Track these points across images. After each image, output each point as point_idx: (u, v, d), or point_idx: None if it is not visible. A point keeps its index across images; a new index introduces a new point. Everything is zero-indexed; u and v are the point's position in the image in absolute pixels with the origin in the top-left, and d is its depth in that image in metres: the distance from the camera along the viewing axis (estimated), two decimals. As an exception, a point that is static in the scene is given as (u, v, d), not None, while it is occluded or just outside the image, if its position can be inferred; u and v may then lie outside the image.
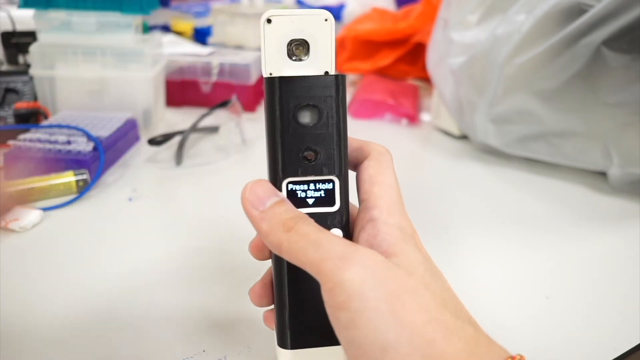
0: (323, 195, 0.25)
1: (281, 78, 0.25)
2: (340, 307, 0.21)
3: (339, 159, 0.25)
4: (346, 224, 0.26)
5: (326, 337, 0.25)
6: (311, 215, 0.24)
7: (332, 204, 0.25)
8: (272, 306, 0.28)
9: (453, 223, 0.49)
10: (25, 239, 0.43)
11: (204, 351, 0.32)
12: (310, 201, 0.25)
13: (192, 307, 0.36)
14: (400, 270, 0.22)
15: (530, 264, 0.43)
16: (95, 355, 0.31)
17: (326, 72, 0.26)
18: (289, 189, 0.25)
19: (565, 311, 0.37)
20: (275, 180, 0.25)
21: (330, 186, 0.25)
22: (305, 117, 0.25)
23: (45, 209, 0.47)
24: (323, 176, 0.25)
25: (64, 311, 0.35)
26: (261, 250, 0.28)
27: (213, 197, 0.53)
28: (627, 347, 0.34)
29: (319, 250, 0.22)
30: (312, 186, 0.25)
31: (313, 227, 0.23)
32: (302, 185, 0.25)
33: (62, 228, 0.45)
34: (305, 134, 0.25)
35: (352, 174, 0.27)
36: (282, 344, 0.26)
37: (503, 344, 0.22)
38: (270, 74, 0.25)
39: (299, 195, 0.25)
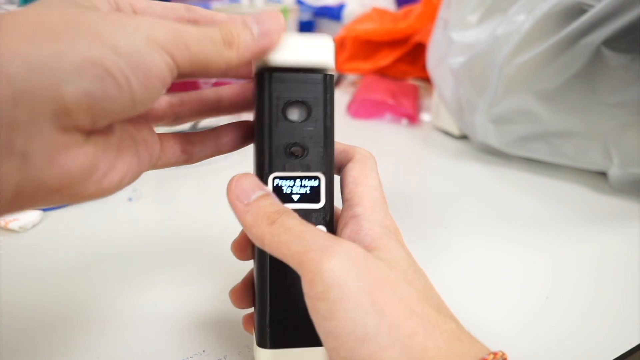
0: (308, 192, 0.25)
1: (271, 74, 0.25)
2: (319, 298, 0.21)
3: (325, 156, 0.25)
4: (330, 221, 0.26)
5: (307, 337, 0.25)
6: (296, 211, 0.24)
7: (318, 200, 0.25)
8: (252, 309, 0.28)
9: (453, 223, 0.49)
10: (24, 239, 0.43)
11: (204, 351, 0.32)
12: (296, 197, 0.25)
13: (192, 307, 0.36)
14: (382, 264, 0.22)
15: (530, 264, 0.43)
16: (95, 354, 0.31)
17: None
18: (275, 184, 0.25)
19: (565, 311, 0.37)
20: (262, 174, 0.25)
21: (315, 183, 0.25)
22: (294, 114, 0.25)
23: (44, 209, 0.47)
24: (309, 172, 0.25)
25: (64, 311, 0.35)
26: (244, 249, 0.28)
27: (213, 197, 0.53)
28: (627, 347, 0.34)
29: (301, 242, 0.22)
30: (297, 182, 0.25)
31: (297, 220, 0.23)
32: (288, 181, 0.25)
33: (61, 228, 0.45)
34: (293, 130, 0.25)
35: (336, 178, 0.27)
36: (262, 343, 0.26)
37: (503, 344, 0.22)
38: (261, 69, 0.25)
39: (284, 191, 0.25)
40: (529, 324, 0.36)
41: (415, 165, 0.65)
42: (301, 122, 0.25)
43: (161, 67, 0.20)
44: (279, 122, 0.25)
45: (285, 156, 0.25)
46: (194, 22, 0.25)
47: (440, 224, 0.49)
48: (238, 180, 0.24)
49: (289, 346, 0.25)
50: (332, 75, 0.25)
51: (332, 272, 0.21)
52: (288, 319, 0.25)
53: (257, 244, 0.23)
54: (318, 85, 0.25)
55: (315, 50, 0.25)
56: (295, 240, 0.22)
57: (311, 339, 0.25)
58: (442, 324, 0.21)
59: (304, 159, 0.25)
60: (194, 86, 0.77)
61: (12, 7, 0.68)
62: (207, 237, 0.44)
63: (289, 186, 0.25)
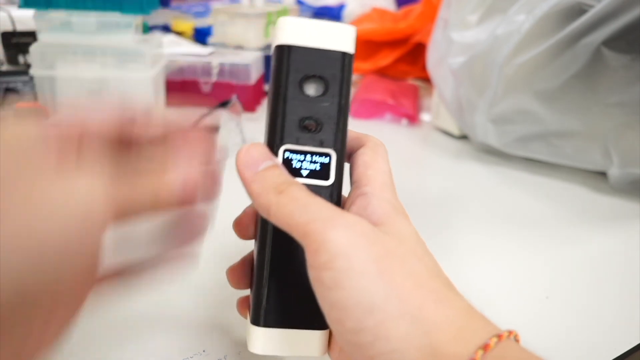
0: (318, 168, 0.25)
1: (291, 47, 0.25)
2: (323, 267, 0.21)
3: (338, 133, 0.25)
4: (338, 200, 0.26)
5: (303, 319, 0.24)
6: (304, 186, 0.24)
7: (327, 177, 0.25)
8: (248, 292, 0.28)
9: (453, 223, 0.49)
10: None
11: (204, 351, 0.32)
12: (305, 172, 0.25)
13: (192, 307, 0.36)
14: (389, 237, 0.22)
15: (530, 264, 0.43)
16: (94, 354, 0.31)
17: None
18: (285, 156, 0.25)
19: (565, 311, 0.37)
20: (273, 145, 0.25)
21: (326, 160, 0.25)
22: (311, 88, 0.25)
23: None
24: (321, 148, 0.25)
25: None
26: (245, 227, 0.27)
27: (213, 197, 0.53)
28: (627, 347, 0.34)
29: (307, 213, 0.22)
30: (308, 157, 0.25)
31: (304, 192, 0.23)
32: (298, 155, 0.25)
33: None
34: (309, 105, 0.25)
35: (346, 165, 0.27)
36: (256, 320, 0.25)
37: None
38: (282, 43, 0.26)
39: (294, 165, 0.25)
40: (528, 323, 0.36)
41: (415, 165, 0.65)
42: (317, 97, 0.25)
43: (98, 243, 0.20)
44: (295, 95, 0.25)
45: (298, 129, 0.25)
46: (131, 120, 0.24)
47: (440, 224, 0.49)
48: (248, 150, 0.24)
49: (284, 326, 0.25)
50: (351, 55, 0.26)
51: (337, 242, 0.20)
52: (285, 298, 0.25)
53: (263, 213, 0.23)
54: (337, 62, 0.25)
55: (336, 35, 0.25)
56: (300, 210, 0.22)
57: (307, 321, 0.24)
58: (452, 299, 0.21)
59: (317, 134, 0.25)
60: (194, 86, 0.77)
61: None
62: (207, 236, 0.44)
63: (299, 160, 0.25)
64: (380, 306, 0.20)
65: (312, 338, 0.25)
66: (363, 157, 0.26)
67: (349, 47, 0.25)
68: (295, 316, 0.25)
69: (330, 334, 0.25)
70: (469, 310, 0.21)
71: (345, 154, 0.26)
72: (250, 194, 0.24)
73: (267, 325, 0.25)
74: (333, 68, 0.25)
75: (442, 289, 0.21)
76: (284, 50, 0.25)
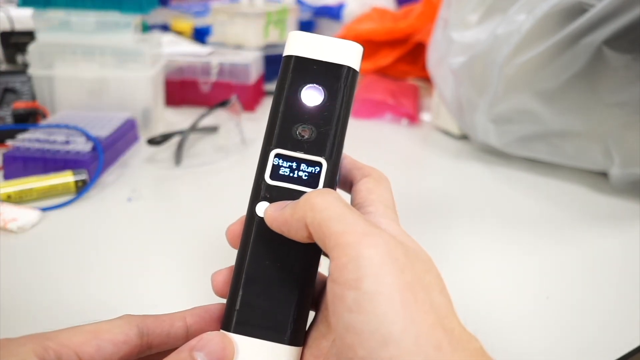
0: (308, 176, 0.25)
1: (296, 57, 0.26)
2: (350, 286, 0.20)
3: (332, 144, 0.25)
4: None
5: (276, 332, 0.24)
6: (291, 190, 0.25)
7: (316, 186, 0.25)
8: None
9: (453, 223, 0.49)
10: (23, 240, 0.43)
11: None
12: (294, 179, 0.25)
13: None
14: (420, 263, 0.21)
15: (531, 264, 0.43)
16: None
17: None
18: (275, 161, 0.25)
19: (565, 312, 0.37)
20: (266, 150, 0.25)
21: (317, 169, 0.25)
22: (310, 98, 0.26)
23: (44, 209, 0.47)
24: (312, 156, 0.25)
25: (63, 312, 0.35)
26: (238, 236, 0.26)
27: (212, 197, 0.53)
28: (627, 348, 0.34)
29: (343, 223, 0.21)
30: (298, 164, 0.25)
31: (341, 199, 0.22)
32: (289, 161, 0.25)
33: (60, 228, 0.45)
34: (305, 113, 0.26)
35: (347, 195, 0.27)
36: (226, 325, 0.24)
37: (503, 344, 0.22)
38: (288, 53, 0.27)
39: (282, 170, 0.25)
40: (529, 324, 0.36)
41: (415, 165, 0.65)
42: (315, 106, 0.26)
43: None
44: (293, 102, 0.26)
45: (292, 136, 0.25)
46: (148, 344, 0.24)
47: (440, 224, 0.48)
48: (269, 206, 0.24)
49: (255, 336, 0.24)
50: (354, 70, 0.26)
51: (370, 261, 0.20)
52: (260, 307, 0.24)
53: (300, 226, 0.22)
54: (338, 75, 0.26)
55: (341, 50, 0.26)
56: (338, 218, 0.21)
57: (280, 334, 0.24)
58: (466, 340, 0.20)
59: (310, 143, 0.25)
60: (193, 86, 0.76)
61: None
62: (206, 237, 0.44)
63: (289, 166, 0.25)
64: (397, 340, 0.19)
65: (283, 353, 0.24)
66: (366, 185, 0.26)
67: (353, 62, 0.26)
68: (268, 327, 0.24)
69: (303, 353, 0.25)
70: (482, 354, 0.21)
71: (339, 167, 0.26)
72: (284, 220, 0.23)
73: (237, 331, 0.24)
74: (333, 80, 0.26)
75: (456, 329, 0.20)
76: (288, 60, 0.26)
